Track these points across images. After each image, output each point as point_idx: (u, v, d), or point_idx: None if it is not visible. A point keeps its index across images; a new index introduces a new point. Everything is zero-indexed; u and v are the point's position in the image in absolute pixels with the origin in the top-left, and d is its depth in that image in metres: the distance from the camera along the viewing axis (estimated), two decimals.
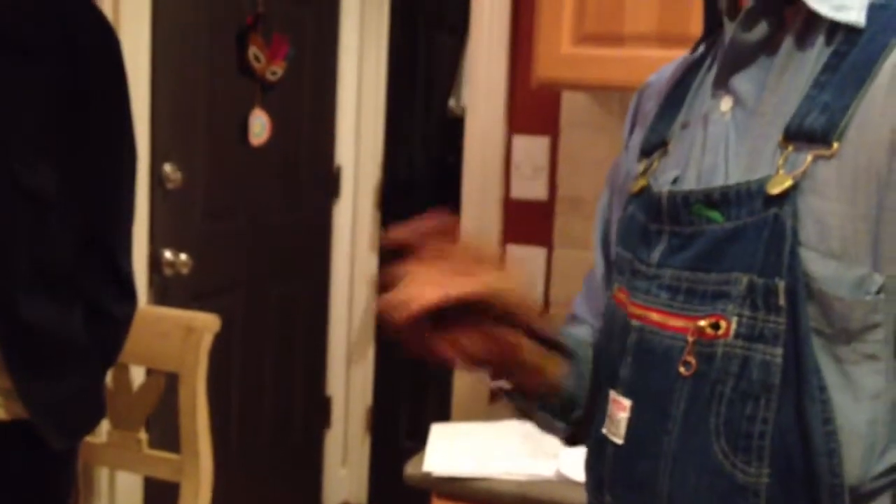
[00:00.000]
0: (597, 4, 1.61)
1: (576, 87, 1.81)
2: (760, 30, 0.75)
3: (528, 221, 2.03)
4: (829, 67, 0.70)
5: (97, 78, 1.31)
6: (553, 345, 0.82)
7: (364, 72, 3.03)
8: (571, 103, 1.96)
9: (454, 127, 2.71)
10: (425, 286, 0.71)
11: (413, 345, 0.74)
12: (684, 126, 0.82)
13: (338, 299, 3.07)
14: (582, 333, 0.94)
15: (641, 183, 0.83)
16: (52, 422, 1.35)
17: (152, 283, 2.32)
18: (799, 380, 0.68)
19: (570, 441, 0.94)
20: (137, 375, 1.89)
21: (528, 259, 2.01)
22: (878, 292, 0.67)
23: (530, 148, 2.03)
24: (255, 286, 2.73)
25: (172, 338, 1.77)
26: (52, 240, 1.30)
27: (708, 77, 0.82)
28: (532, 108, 2.02)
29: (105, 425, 1.84)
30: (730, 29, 0.78)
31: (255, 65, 2.58)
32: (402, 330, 0.72)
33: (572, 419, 0.90)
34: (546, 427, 0.93)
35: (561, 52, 1.64)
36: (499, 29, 2.01)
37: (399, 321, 0.71)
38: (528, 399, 0.88)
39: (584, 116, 1.95)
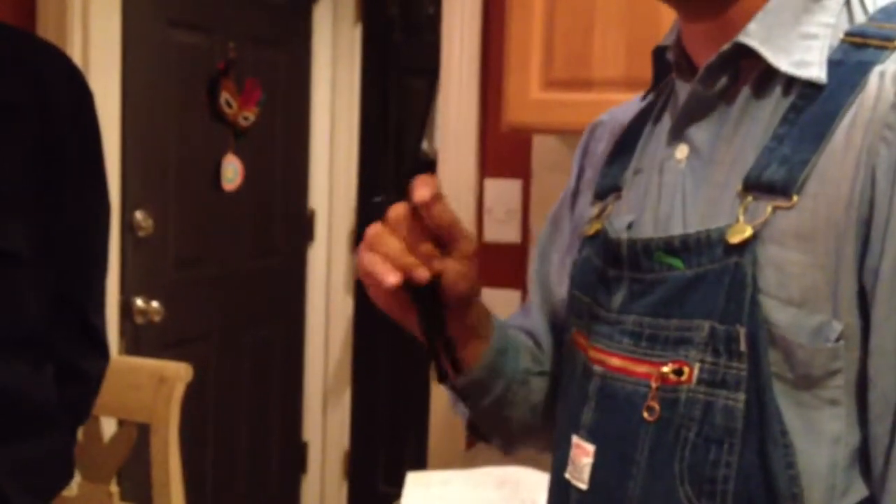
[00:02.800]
0: (564, 50, 1.63)
1: (545, 131, 1.83)
2: (720, 84, 0.76)
3: (501, 265, 2.04)
4: (787, 121, 0.71)
5: (71, 134, 1.29)
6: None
7: (337, 116, 3.05)
8: (542, 146, 1.98)
9: (427, 170, 2.72)
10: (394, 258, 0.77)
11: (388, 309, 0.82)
12: (637, 172, 0.83)
13: (313, 344, 3.06)
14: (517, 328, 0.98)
15: (596, 227, 0.84)
16: (20, 485, 1.30)
17: (124, 331, 2.30)
18: (761, 424, 0.68)
19: (472, 430, 0.96)
20: (108, 427, 1.87)
21: (502, 302, 2.01)
22: (837, 339, 0.67)
23: (502, 191, 2.05)
24: (228, 332, 2.72)
25: (144, 388, 1.75)
26: (23, 300, 1.25)
27: (660, 124, 0.83)
28: (503, 151, 2.04)
29: (76, 478, 1.81)
30: (680, 81, 0.80)
31: (227, 110, 2.59)
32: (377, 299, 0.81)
33: (479, 406, 0.90)
34: (456, 406, 0.95)
35: (530, 96, 1.66)
36: (468, 74, 2.03)
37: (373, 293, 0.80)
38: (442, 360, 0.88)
39: (555, 159, 1.96)
